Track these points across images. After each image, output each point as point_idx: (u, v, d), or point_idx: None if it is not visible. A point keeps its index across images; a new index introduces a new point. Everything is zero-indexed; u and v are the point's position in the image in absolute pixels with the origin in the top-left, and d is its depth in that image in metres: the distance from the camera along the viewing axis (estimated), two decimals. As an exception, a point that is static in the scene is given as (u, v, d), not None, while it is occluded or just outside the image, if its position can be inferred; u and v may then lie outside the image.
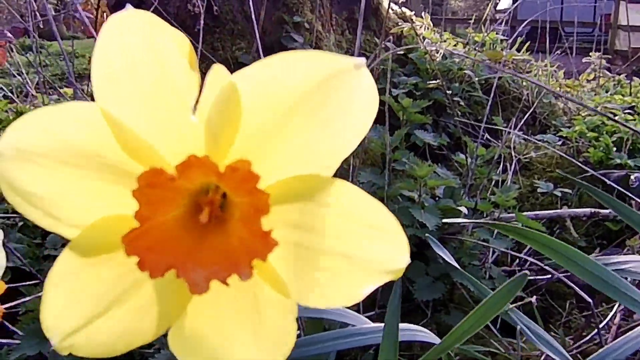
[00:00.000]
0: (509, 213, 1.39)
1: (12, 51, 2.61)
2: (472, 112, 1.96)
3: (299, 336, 0.70)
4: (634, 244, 1.26)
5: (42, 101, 2.25)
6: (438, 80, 1.55)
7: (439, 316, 1.32)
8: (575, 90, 2.32)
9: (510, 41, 2.31)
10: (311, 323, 0.65)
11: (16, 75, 2.96)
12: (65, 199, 0.30)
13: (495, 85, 1.93)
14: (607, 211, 1.40)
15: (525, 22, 2.37)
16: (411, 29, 1.65)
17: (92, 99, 1.32)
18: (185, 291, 0.30)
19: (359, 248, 0.31)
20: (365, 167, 1.45)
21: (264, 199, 0.29)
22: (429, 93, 1.76)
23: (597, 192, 0.77)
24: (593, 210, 1.38)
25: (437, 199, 1.43)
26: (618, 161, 1.66)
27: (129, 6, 0.32)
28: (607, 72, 2.73)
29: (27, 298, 1.25)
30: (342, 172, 1.46)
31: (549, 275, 1.34)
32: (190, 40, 1.28)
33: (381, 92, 1.81)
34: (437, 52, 1.63)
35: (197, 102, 0.31)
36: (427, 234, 0.86)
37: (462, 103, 1.87)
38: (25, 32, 2.62)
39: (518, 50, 2.31)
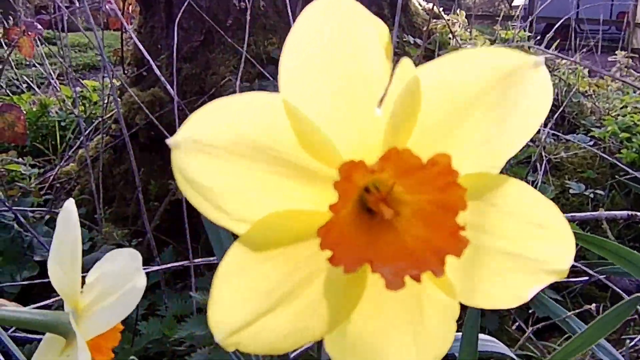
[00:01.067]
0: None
1: (39, 45, 2.60)
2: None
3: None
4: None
5: (69, 93, 2.24)
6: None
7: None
8: (602, 89, 2.29)
9: (536, 39, 2.28)
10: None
11: (36, 65, 2.97)
12: (236, 192, 0.30)
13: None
14: (645, 214, 1.37)
15: (559, 23, 2.34)
16: (445, 27, 1.63)
17: (120, 90, 1.30)
18: (356, 290, 0.30)
19: (527, 248, 0.31)
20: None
21: (460, 195, 0.29)
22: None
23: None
24: (631, 212, 1.36)
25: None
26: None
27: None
28: (633, 72, 2.70)
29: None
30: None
31: (586, 277, 1.32)
32: (222, 35, 1.26)
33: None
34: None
35: (384, 95, 0.30)
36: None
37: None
38: (49, 25, 2.62)
39: (547, 47, 2.28)
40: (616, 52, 2.71)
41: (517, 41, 2.16)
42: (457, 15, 1.80)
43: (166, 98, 1.56)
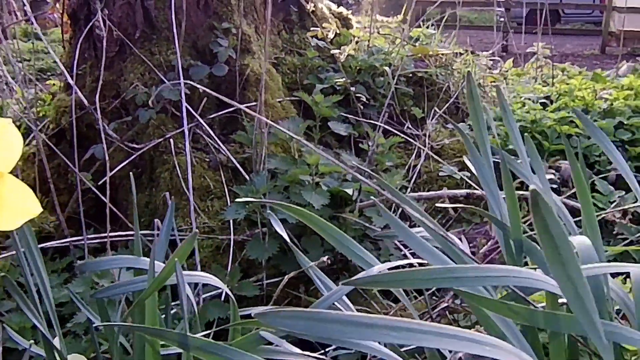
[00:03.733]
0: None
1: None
2: (399, 103, 2.17)
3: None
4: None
5: (22, 95, 2.50)
6: (344, 78, 1.77)
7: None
8: (505, 80, 2.51)
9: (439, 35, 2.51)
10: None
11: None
12: None
13: (420, 78, 2.14)
14: (480, 192, 1.62)
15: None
16: (321, 33, 1.86)
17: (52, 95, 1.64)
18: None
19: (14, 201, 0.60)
20: (276, 155, 1.68)
21: None
22: (351, 87, 1.98)
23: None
24: (469, 191, 1.60)
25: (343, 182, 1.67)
26: (511, 147, 1.87)
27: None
28: (550, 61, 2.91)
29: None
30: (256, 159, 1.70)
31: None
32: (132, 47, 1.56)
33: (307, 87, 2.06)
34: (341, 54, 1.84)
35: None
36: (269, 212, 1.10)
37: (385, 95, 2.09)
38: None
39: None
40: (535, 43, 2.91)
41: (423, 39, 2.39)
42: (331, 17, 2.02)
43: (88, 101, 1.82)
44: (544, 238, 0.56)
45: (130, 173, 1.80)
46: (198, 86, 1.61)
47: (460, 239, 1.22)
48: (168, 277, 0.76)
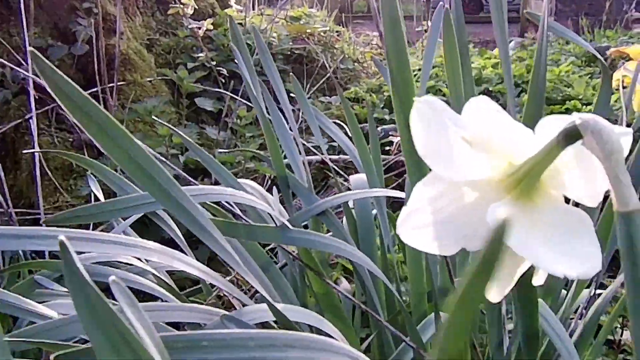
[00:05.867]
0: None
1: None
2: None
3: None
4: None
5: None
6: (203, 54, 1.81)
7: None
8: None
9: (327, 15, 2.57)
10: None
11: None
12: None
13: (300, 55, 2.19)
14: (336, 157, 1.68)
15: None
16: (182, 10, 1.89)
17: None
18: None
19: None
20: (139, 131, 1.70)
21: None
22: (219, 65, 2.01)
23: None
24: (323, 156, 1.66)
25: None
26: (376, 116, 1.95)
27: None
28: (440, 40, 3.01)
29: None
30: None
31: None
32: None
33: (177, 66, 2.07)
34: (199, 29, 1.87)
35: None
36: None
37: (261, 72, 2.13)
38: None
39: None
40: (423, 22, 3.01)
41: (305, 18, 2.44)
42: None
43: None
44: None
45: None
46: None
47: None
48: None
